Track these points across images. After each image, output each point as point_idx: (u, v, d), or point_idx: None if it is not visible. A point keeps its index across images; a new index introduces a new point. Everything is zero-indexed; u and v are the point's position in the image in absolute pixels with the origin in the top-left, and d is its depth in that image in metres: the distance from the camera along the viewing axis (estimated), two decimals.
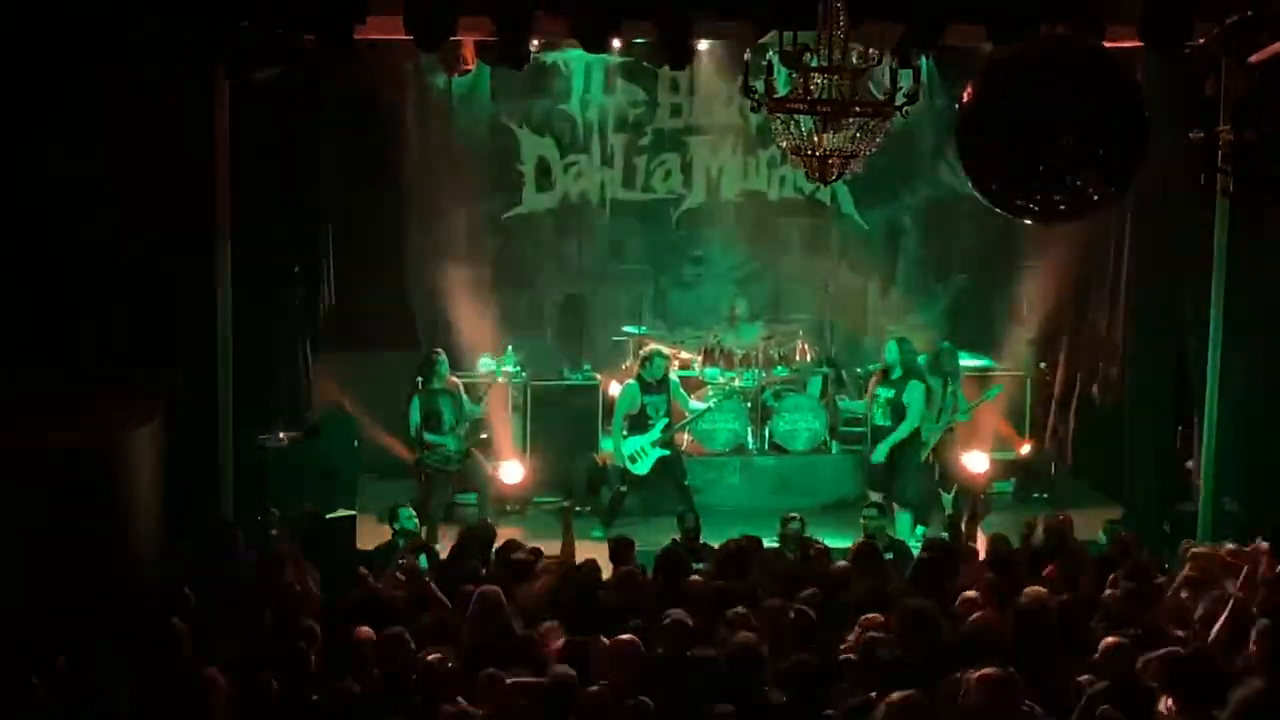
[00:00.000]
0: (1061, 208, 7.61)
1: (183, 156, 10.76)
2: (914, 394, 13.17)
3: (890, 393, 13.19)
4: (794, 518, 11.12)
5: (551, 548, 10.41)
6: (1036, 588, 8.48)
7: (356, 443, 13.16)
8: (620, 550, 10.12)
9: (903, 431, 13.18)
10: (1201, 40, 10.27)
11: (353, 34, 10.19)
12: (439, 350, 13.49)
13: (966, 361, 14.82)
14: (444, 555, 10.75)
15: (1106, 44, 10.31)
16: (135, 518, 10.05)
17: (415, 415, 13.09)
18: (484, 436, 13.93)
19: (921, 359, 13.65)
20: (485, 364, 14.26)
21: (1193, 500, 12.58)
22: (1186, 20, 10.19)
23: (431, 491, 13.00)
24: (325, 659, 7.99)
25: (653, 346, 13.88)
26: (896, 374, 13.21)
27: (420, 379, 13.23)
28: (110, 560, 9.51)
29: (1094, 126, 7.39)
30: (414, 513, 11.55)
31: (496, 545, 10.36)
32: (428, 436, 13.03)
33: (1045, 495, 14.64)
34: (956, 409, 13.64)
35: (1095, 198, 7.53)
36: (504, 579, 9.25)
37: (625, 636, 7.86)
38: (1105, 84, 7.62)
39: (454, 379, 13.46)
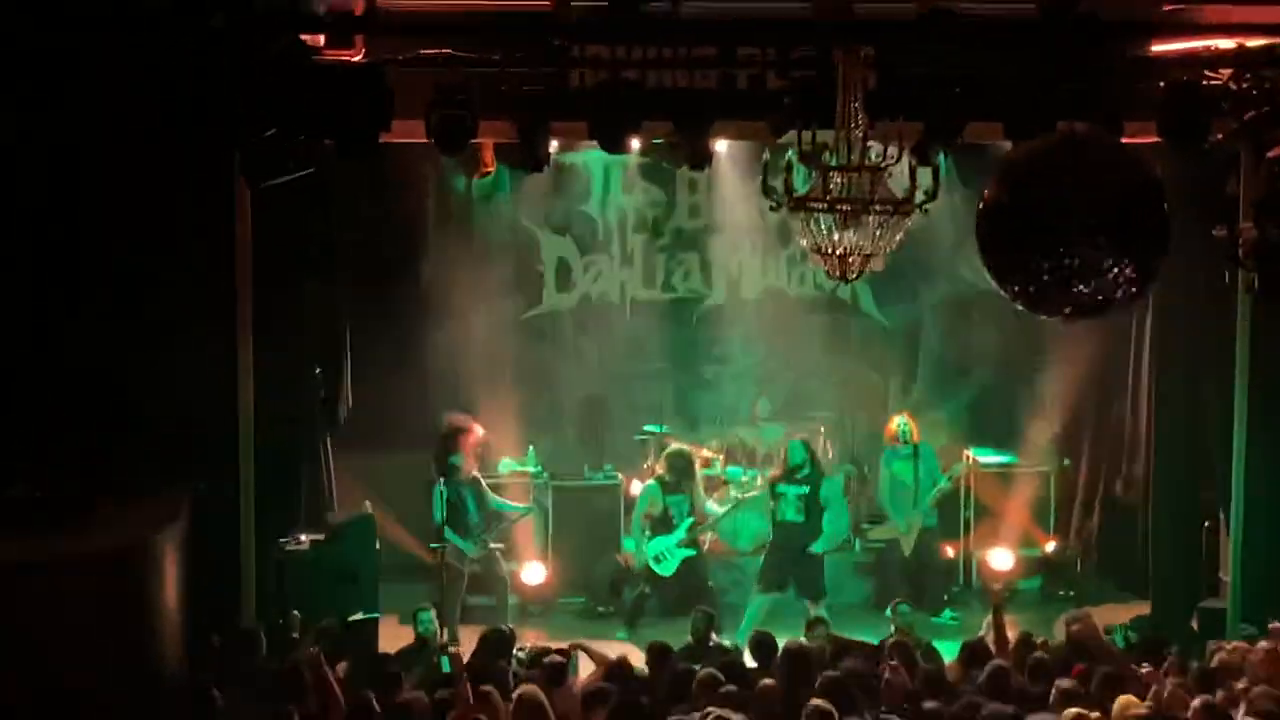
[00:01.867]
0: (1085, 305, 7.58)
1: (203, 260, 10.81)
2: (833, 488, 13.44)
3: (804, 489, 13.19)
4: (820, 620, 11.02)
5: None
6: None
7: (377, 545, 13.09)
8: (656, 655, 10.04)
9: (842, 528, 13.54)
10: (1220, 136, 10.28)
11: (377, 141, 10.25)
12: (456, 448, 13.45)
13: (990, 458, 14.79)
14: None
15: (1125, 140, 10.36)
16: (161, 623, 9.98)
17: (439, 507, 13.04)
18: (501, 546, 13.72)
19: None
20: (506, 465, 14.21)
21: (1221, 597, 12.45)
22: (1205, 116, 10.20)
23: (446, 591, 12.93)
24: None
25: (675, 446, 13.86)
26: (805, 473, 13.26)
27: (438, 467, 13.19)
28: (137, 665, 9.43)
29: (1116, 224, 7.39)
30: (432, 616, 11.45)
31: (526, 648, 10.32)
32: (448, 534, 12.96)
33: (1071, 593, 14.50)
34: (935, 484, 14.01)
35: (1118, 295, 7.50)
36: (538, 681, 9.19)
37: None
38: (1125, 181, 7.62)
39: (476, 475, 13.40)
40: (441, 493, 13.04)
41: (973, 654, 9.89)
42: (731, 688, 8.91)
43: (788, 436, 14.74)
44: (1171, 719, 8.36)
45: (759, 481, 14.55)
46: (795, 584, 13.18)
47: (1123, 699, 8.59)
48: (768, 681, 9.22)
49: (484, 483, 13.49)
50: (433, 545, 12.96)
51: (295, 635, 10.65)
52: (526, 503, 14.01)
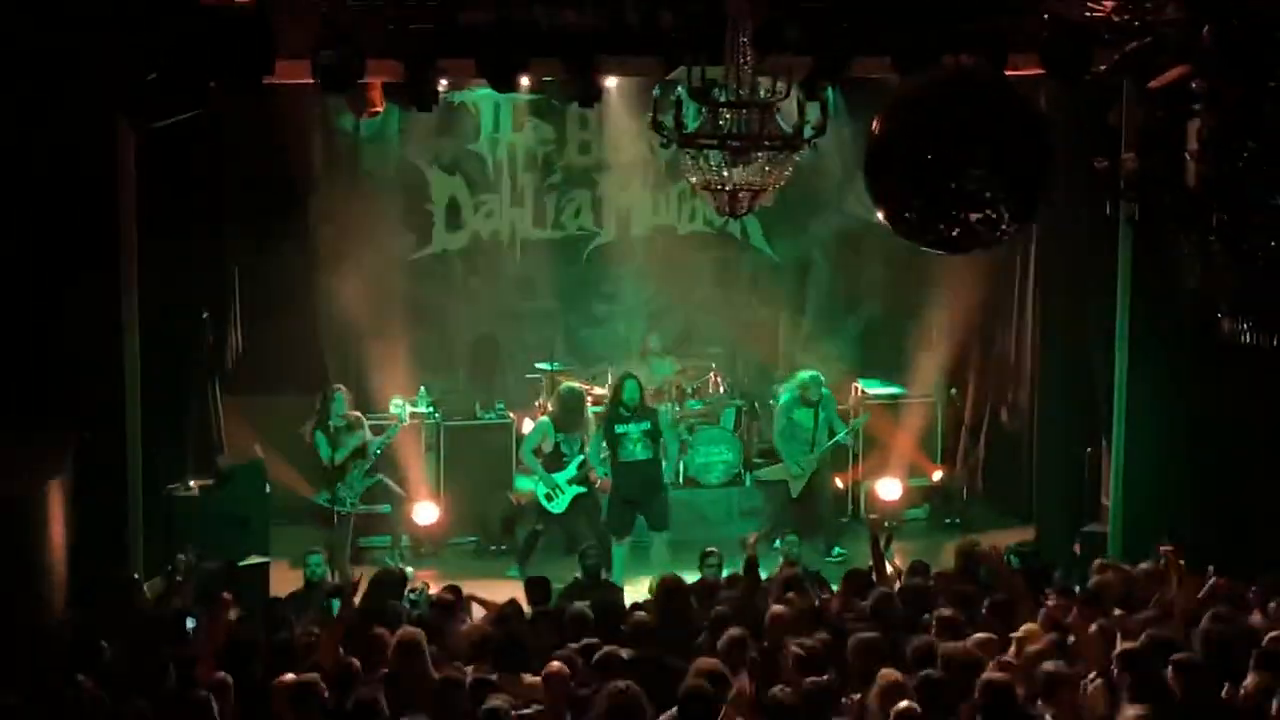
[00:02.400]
0: (968, 238, 7.67)
1: (86, 202, 10.59)
2: (664, 418, 13.61)
3: (646, 424, 13.21)
4: (712, 552, 11.10)
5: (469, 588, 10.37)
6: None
7: (267, 488, 13.00)
8: (535, 590, 10.11)
9: (673, 456, 13.93)
10: (1103, 68, 10.42)
11: (261, 81, 10.10)
12: (338, 386, 13.38)
13: (878, 390, 14.97)
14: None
15: (1009, 73, 10.47)
16: (46, 572, 9.87)
17: (325, 448, 12.99)
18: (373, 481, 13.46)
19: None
20: (396, 405, 14.15)
21: (1102, 521, 12.73)
22: (1087, 48, 10.33)
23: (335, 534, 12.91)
24: (240, 709, 7.90)
25: (567, 384, 13.89)
26: (641, 409, 13.28)
27: (318, 416, 13.14)
28: (20, 616, 9.32)
29: (998, 157, 7.47)
30: (323, 559, 11.39)
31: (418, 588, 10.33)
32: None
33: (958, 520, 14.76)
34: (832, 434, 13.98)
35: (1001, 227, 7.59)
36: (427, 622, 9.19)
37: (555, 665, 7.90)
38: (1008, 114, 7.70)
39: (356, 414, 13.33)
40: (321, 437, 13.02)
41: (855, 582, 9.98)
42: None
43: (681, 375, 14.87)
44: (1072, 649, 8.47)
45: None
46: (646, 519, 13.27)
47: (1027, 627, 8.68)
48: (640, 615, 9.28)
49: (365, 424, 13.35)
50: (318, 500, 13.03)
51: (179, 579, 10.56)
52: (419, 446, 13.96)
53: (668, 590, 9.58)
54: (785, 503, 14.02)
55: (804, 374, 14.15)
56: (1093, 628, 8.42)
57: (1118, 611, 8.94)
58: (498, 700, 7.42)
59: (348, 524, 13.07)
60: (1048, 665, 7.80)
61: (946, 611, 8.84)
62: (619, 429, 13.17)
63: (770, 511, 14.28)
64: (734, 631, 8.36)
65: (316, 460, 13.11)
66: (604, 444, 13.22)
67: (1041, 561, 11.41)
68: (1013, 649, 8.46)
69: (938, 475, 14.96)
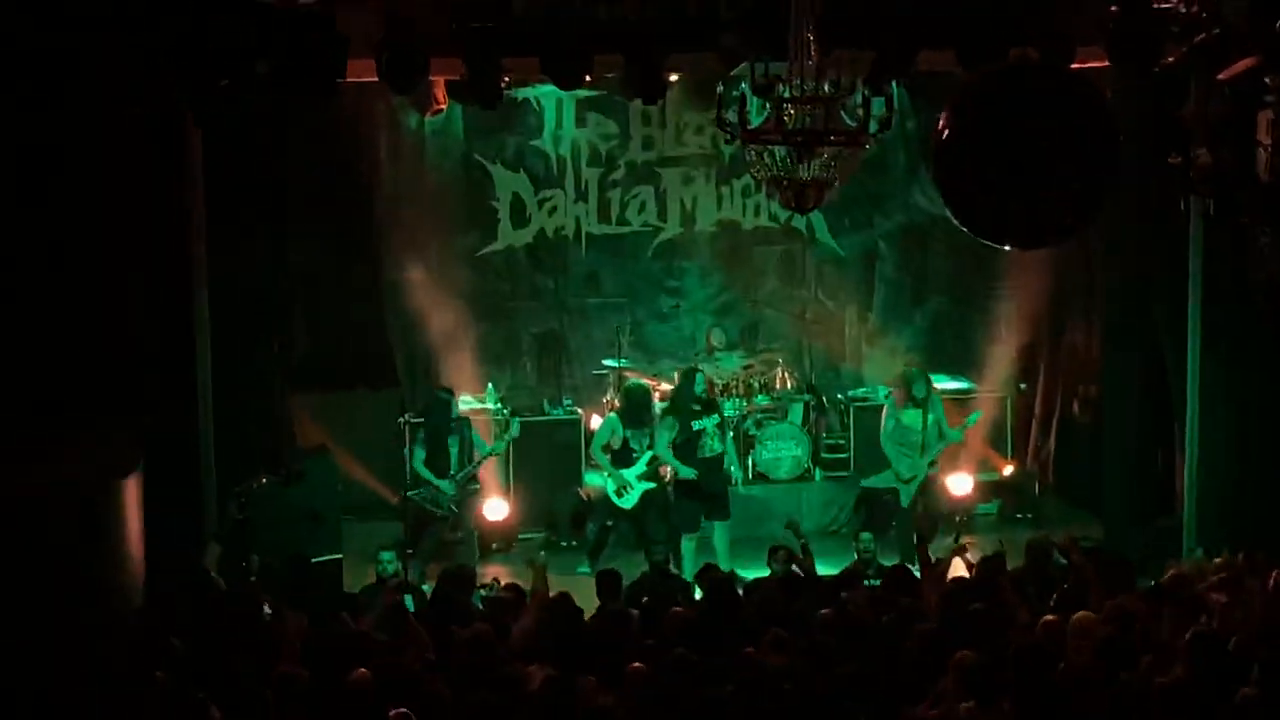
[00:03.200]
0: (1036, 232, 7.64)
1: (156, 201, 10.72)
2: (725, 411, 13.59)
3: (716, 418, 13.23)
4: (781, 548, 11.09)
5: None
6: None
7: (339, 485, 13.10)
8: (606, 585, 10.12)
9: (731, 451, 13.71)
10: (1171, 60, 10.31)
11: (333, 83, 10.14)
12: (449, 388, 13.49)
13: (946, 385, 14.85)
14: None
15: (1076, 65, 10.38)
16: (122, 565, 9.99)
17: (419, 453, 13.10)
18: (475, 487, 13.58)
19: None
20: (465, 401, 14.21)
21: (1175, 514, 12.62)
22: (1156, 40, 10.23)
23: (422, 532, 12.97)
24: (311, 704, 7.96)
25: (633, 379, 13.91)
26: (708, 402, 13.32)
27: (425, 417, 13.23)
28: (96, 611, 9.44)
29: (1066, 151, 7.43)
30: (395, 555, 11.47)
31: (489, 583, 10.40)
32: (425, 476, 13.01)
33: (1029, 515, 14.66)
34: (943, 436, 13.50)
35: (1069, 221, 7.55)
36: (490, 618, 9.24)
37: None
38: (1075, 108, 7.65)
39: (466, 414, 13.41)
40: (423, 439, 13.16)
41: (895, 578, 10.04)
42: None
43: (748, 371, 14.82)
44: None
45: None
46: (707, 512, 13.22)
47: (1080, 615, 8.63)
48: (677, 609, 9.28)
49: (472, 425, 13.46)
50: (409, 494, 13.09)
51: (253, 579, 10.66)
52: (490, 441, 14.03)
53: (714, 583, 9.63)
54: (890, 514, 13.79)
55: (910, 371, 13.81)
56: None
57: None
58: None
59: (442, 523, 13.17)
60: None
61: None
62: (695, 425, 13.16)
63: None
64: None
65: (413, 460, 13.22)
66: (674, 438, 13.18)
67: (1115, 555, 11.30)
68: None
69: (1008, 470, 14.86)
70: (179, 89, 10.15)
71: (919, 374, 13.74)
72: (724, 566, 11.84)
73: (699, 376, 13.34)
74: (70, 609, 9.22)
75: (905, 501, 13.41)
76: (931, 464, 13.43)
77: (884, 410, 13.73)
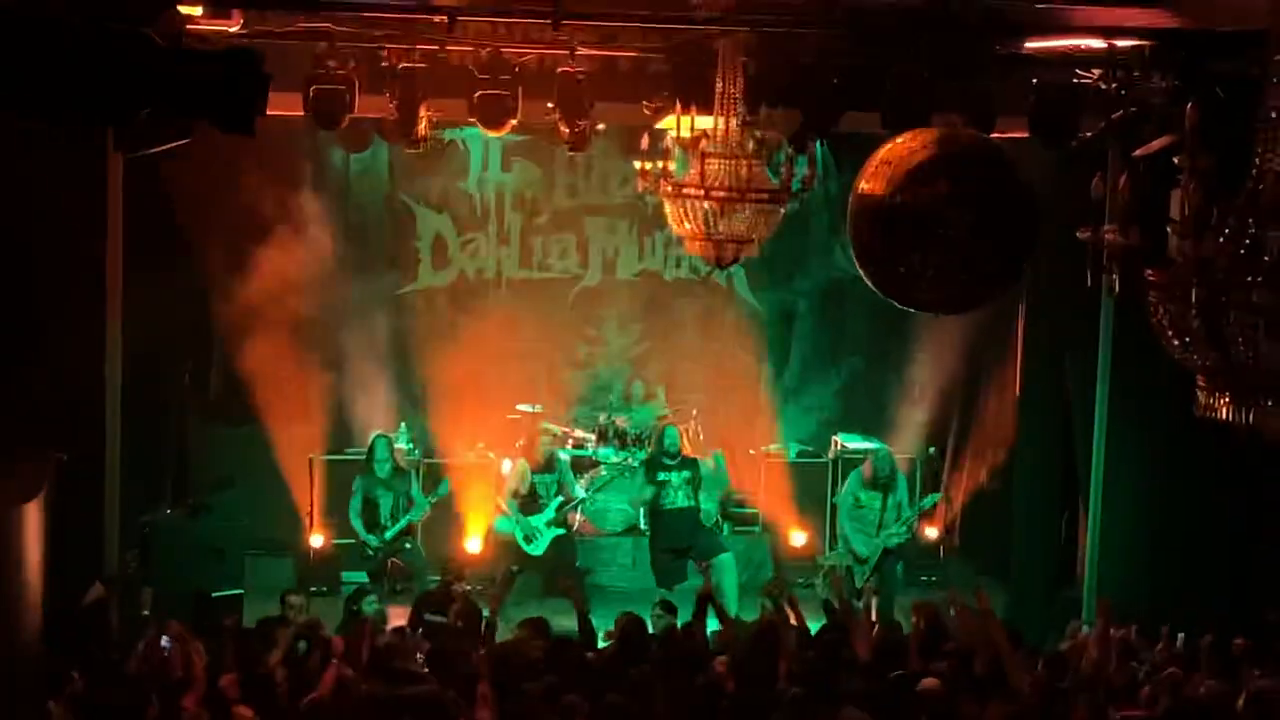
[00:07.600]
0: (951, 300, 7.72)
1: (74, 231, 10.60)
2: (704, 468, 13.67)
3: (687, 473, 13.29)
4: (663, 602, 11.09)
5: None
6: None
7: (244, 519, 12.96)
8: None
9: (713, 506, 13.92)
10: (1088, 134, 10.48)
11: (254, 121, 10.08)
12: (383, 434, 13.45)
13: (859, 444, 14.92)
14: None
15: (996, 136, 10.52)
16: (20, 595, 9.81)
17: (355, 504, 13.16)
18: (408, 546, 13.56)
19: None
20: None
21: (1077, 586, 12.73)
22: (1075, 114, 10.40)
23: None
24: None
25: (547, 425, 13.90)
26: (681, 457, 13.38)
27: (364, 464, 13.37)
28: None
29: (984, 221, 7.52)
30: (378, 597, 11.55)
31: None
32: (355, 527, 13.06)
33: (934, 578, 14.74)
34: (900, 519, 13.30)
35: (985, 290, 7.64)
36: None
37: None
38: (995, 179, 7.75)
39: (407, 461, 13.55)
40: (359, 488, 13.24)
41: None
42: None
43: (662, 421, 14.82)
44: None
45: (629, 463, 14.59)
46: (695, 557, 13.21)
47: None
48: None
49: (418, 471, 13.47)
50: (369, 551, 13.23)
51: (145, 613, 10.53)
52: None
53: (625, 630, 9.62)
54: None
55: (880, 453, 13.69)
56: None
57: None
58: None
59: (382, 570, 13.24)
60: None
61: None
62: (661, 475, 13.21)
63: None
64: None
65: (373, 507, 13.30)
66: (645, 490, 13.35)
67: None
68: None
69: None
70: (102, 121, 10.05)
71: (886, 456, 13.68)
72: (732, 607, 11.83)
73: (670, 430, 13.46)
74: None
75: (859, 582, 13.22)
76: (891, 541, 13.21)
77: (846, 484, 13.70)
